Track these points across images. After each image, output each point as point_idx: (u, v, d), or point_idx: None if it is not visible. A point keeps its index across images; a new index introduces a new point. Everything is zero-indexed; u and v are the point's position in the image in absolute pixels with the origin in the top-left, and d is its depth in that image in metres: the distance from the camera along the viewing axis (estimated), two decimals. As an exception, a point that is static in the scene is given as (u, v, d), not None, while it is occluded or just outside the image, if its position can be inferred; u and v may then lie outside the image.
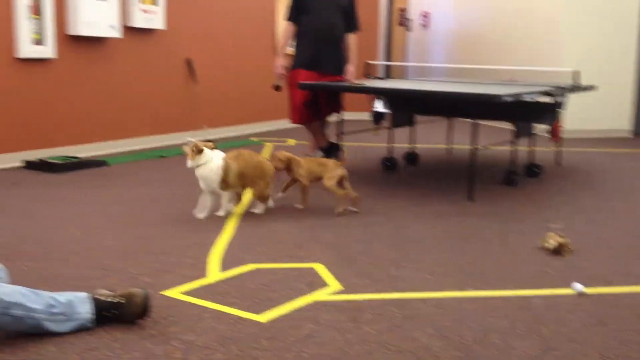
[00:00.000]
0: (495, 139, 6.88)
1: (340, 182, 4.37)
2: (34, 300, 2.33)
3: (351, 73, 5.78)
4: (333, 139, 5.94)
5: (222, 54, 8.16)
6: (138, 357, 2.27)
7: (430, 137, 8.29)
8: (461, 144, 7.52)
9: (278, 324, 2.57)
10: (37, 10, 5.81)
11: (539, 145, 6.53)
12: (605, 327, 2.60)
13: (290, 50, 5.83)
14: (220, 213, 4.19)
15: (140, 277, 3.06)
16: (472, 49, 10.65)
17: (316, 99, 5.67)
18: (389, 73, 12.23)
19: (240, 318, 2.62)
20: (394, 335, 2.50)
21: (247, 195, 4.43)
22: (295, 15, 5.67)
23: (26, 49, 5.77)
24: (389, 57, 12.94)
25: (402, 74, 12.18)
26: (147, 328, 2.50)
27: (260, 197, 4.27)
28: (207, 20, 7.86)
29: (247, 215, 4.28)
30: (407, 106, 6.10)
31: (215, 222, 4.03)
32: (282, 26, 5.93)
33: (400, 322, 2.61)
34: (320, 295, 2.89)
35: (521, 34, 9.51)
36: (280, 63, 5.73)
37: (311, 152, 5.84)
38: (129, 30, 6.81)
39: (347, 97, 5.71)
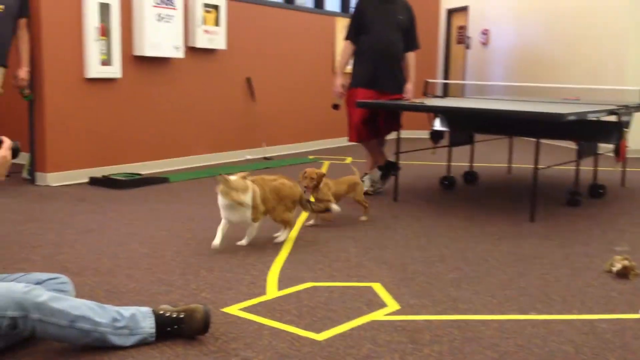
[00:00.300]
0: (557, 159, 6.74)
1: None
2: (99, 314, 2.39)
3: (410, 91, 5.76)
4: (391, 158, 5.92)
5: (281, 73, 8.26)
6: (198, 372, 2.30)
7: (489, 156, 8.18)
8: (521, 163, 7.39)
9: (336, 343, 2.56)
10: (105, 31, 6.01)
11: (602, 165, 6.37)
12: (675, 355, 2.51)
13: (349, 69, 5.85)
14: (243, 242, 3.96)
15: (201, 293, 3.10)
16: (533, 67, 10.49)
17: (374, 118, 5.67)
18: (446, 91, 12.15)
19: (298, 336, 2.62)
20: (454, 358, 2.46)
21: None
22: (354, 34, 5.70)
23: (94, 69, 5.96)
24: (447, 75, 12.86)
25: (460, 92, 12.08)
26: (207, 344, 2.52)
27: (282, 223, 4.04)
28: (267, 39, 7.98)
29: (305, 234, 4.29)
30: (467, 124, 6.04)
31: (272, 240, 4.05)
32: (342, 45, 5.96)
33: (460, 345, 2.57)
34: (378, 315, 2.88)
35: (585, 52, 9.33)
36: (339, 82, 5.75)
37: (369, 170, 5.83)
38: (191, 50, 6.97)
39: (405, 116, 5.69)
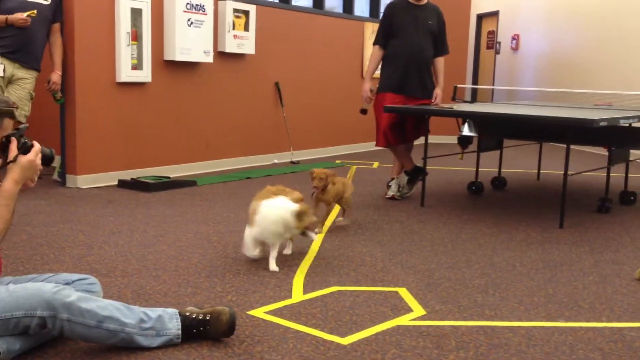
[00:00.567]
0: (587, 165, 6.66)
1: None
2: (127, 314, 2.42)
3: (439, 96, 5.74)
4: (418, 163, 5.90)
5: (309, 78, 8.28)
6: (223, 374, 2.31)
7: (518, 162, 8.10)
8: (550, 169, 7.31)
9: (361, 348, 2.56)
10: (136, 36, 6.08)
11: (634, 172, 6.27)
12: None
13: (378, 73, 5.85)
14: (288, 251, 3.88)
15: (227, 296, 3.11)
16: (564, 73, 10.38)
17: (402, 123, 5.65)
18: (475, 97, 12.07)
19: (323, 340, 2.62)
20: (479, 364, 2.44)
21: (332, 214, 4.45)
22: (384, 39, 5.69)
23: (125, 73, 6.04)
24: (476, 80, 12.78)
25: (489, 97, 12.00)
26: (233, 346, 2.54)
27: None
28: (296, 44, 8.01)
29: (331, 237, 4.29)
30: (497, 130, 6.00)
31: (300, 245, 4.06)
32: (371, 50, 5.96)
33: (486, 352, 2.55)
34: (404, 320, 2.87)
35: (617, 57, 9.21)
36: (368, 87, 5.75)
37: (396, 175, 5.81)
38: (220, 55, 7.02)
39: (433, 121, 5.66)
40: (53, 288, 2.32)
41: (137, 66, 6.14)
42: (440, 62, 5.79)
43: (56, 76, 5.61)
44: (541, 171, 7.08)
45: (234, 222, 4.64)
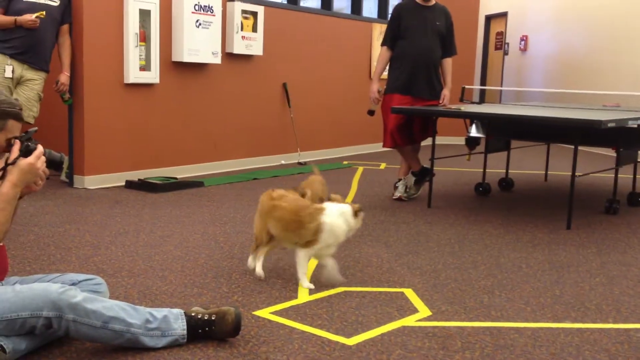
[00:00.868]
0: (595, 166, 6.63)
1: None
2: (132, 315, 2.42)
3: (447, 97, 5.73)
4: (425, 164, 5.89)
5: (317, 79, 8.28)
6: (228, 374, 2.31)
7: (526, 163, 8.08)
8: (558, 171, 7.28)
9: (366, 348, 2.56)
10: (144, 37, 6.10)
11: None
12: None
13: (386, 74, 5.84)
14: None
15: (232, 296, 3.12)
16: (572, 74, 10.35)
17: (410, 124, 5.65)
18: (483, 98, 12.05)
19: (328, 340, 2.62)
20: (485, 365, 2.43)
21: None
22: (391, 40, 5.68)
23: (133, 74, 6.05)
24: (484, 81, 12.76)
25: (497, 98, 11.97)
26: (238, 347, 2.54)
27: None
28: (303, 45, 8.01)
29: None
30: (504, 131, 5.98)
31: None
32: (379, 51, 5.96)
33: (492, 352, 2.54)
34: (409, 320, 2.86)
35: (626, 59, 9.17)
36: (376, 87, 5.74)
37: (403, 176, 5.81)
38: (228, 56, 7.03)
39: (441, 122, 5.66)
40: (59, 288, 2.32)
41: (145, 67, 6.16)
42: (448, 63, 5.78)
43: (64, 77, 5.63)
44: (549, 172, 7.06)
45: (240, 222, 4.65)
